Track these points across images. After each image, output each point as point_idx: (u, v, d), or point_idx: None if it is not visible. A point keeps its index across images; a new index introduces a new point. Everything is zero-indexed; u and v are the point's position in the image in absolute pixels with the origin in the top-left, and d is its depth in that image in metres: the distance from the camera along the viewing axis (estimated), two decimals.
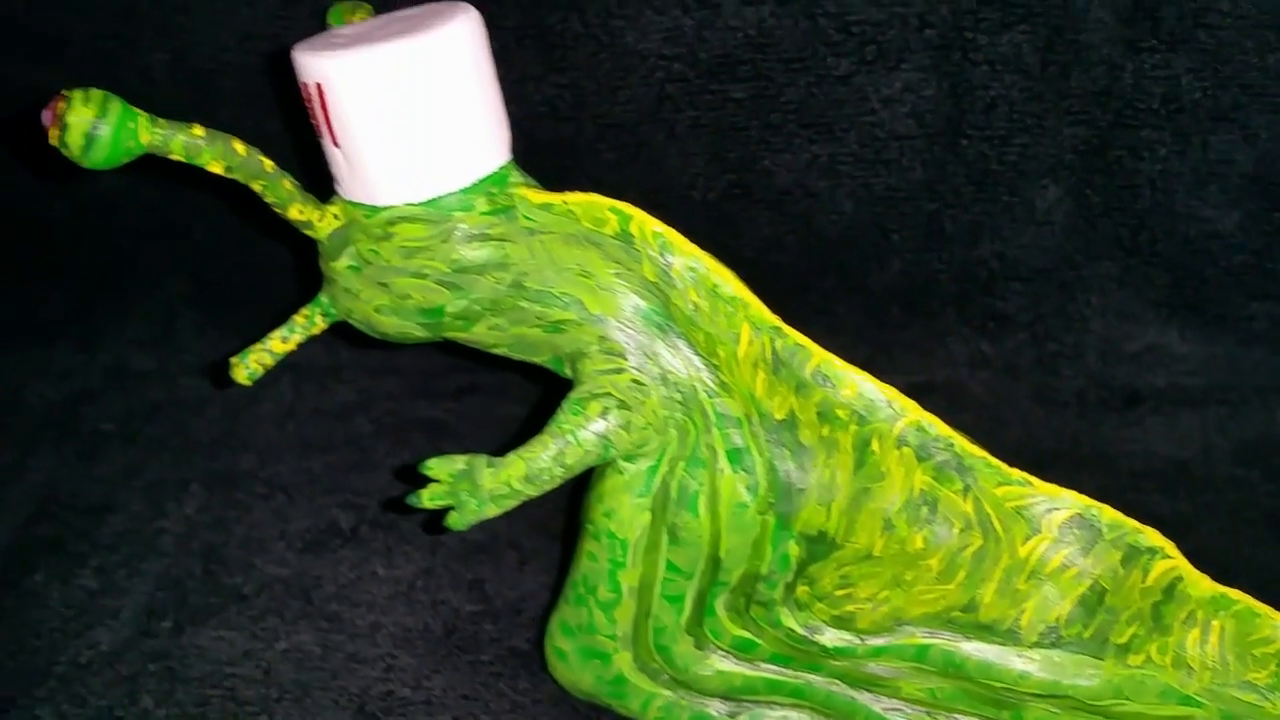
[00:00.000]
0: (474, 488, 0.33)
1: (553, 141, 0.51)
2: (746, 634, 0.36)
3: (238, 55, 0.48)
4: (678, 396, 0.34)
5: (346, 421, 0.52)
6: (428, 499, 0.33)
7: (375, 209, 0.34)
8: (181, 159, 0.31)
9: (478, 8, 0.39)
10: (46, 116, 0.29)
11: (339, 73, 0.32)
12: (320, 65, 0.32)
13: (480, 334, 0.35)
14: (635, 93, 0.49)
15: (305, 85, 0.33)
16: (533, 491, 0.33)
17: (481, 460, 0.34)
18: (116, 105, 0.29)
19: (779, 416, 0.34)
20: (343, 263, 0.35)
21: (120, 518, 0.46)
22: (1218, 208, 0.49)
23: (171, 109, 0.49)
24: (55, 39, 0.49)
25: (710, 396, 0.34)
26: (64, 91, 0.29)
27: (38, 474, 0.49)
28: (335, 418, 0.52)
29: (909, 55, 0.47)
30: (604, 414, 0.34)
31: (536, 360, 0.36)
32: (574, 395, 0.34)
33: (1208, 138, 0.48)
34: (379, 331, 0.36)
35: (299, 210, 0.33)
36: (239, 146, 0.31)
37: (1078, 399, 0.50)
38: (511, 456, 0.34)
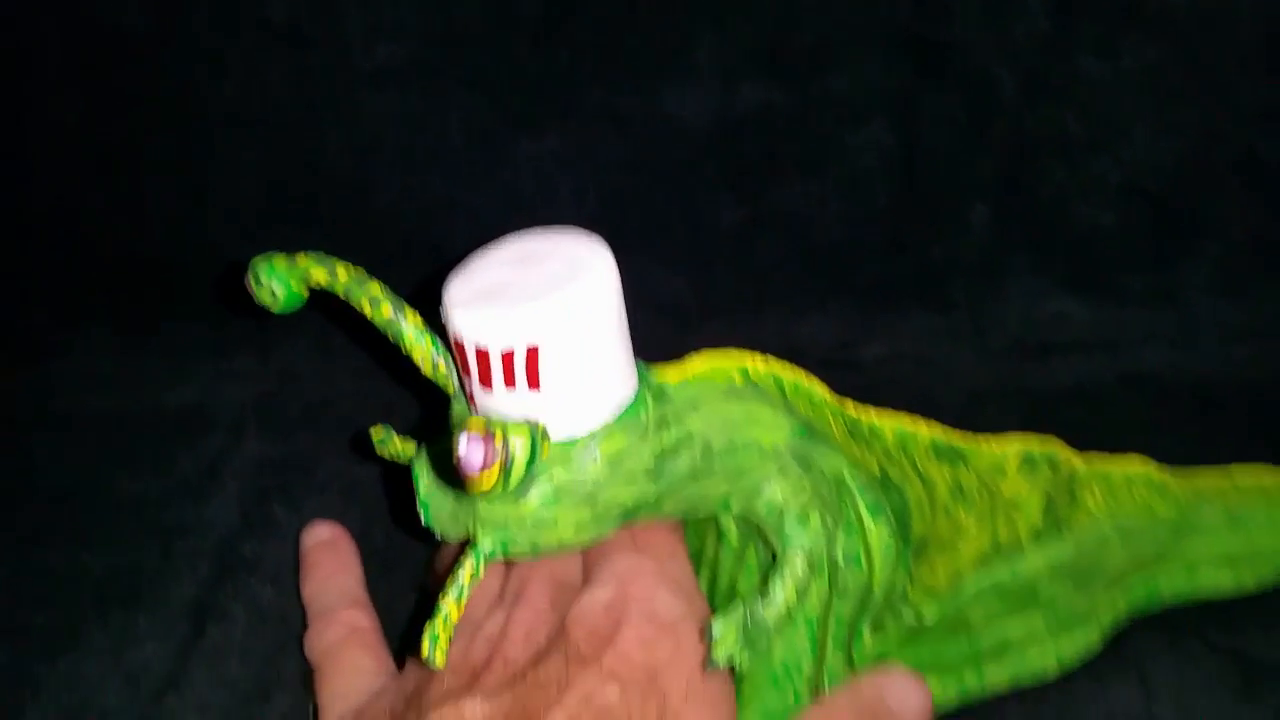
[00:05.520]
0: (759, 626, 0.36)
1: (619, 194, 0.68)
2: (881, 647, 0.43)
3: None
4: (832, 483, 0.41)
5: None
6: (724, 658, 0.36)
7: (573, 440, 0.35)
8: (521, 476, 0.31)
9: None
10: (475, 459, 0.28)
11: (552, 326, 0.32)
12: (528, 323, 0.32)
13: (669, 508, 0.39)
14: (678, 152, 0.67)
15: (502, 350, 0.32)
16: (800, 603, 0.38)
17: (751, 602, 0.37)
18: (532, 430, 0.31)
19: (876, 471, 0.43)
20: (534, 499, 0.35)
21: (328, 475, 0.63)
22: (1099, 210, 0.67)
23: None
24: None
25: (850, 476, 0.41)
26: (482, 429, 0.29)
27: (251, 453, 0.66)
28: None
29: (873, 116, 0.65)
30: (822, 519, 0.39)
31: (702, 514, 0.41)
32: (790, 516, 0.39)
33: (1090, 163, 0.66)
34: (566, 548, 0.36)
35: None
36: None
37: (1006, 353, 0.69)
38: (774, 584, 0.37)
